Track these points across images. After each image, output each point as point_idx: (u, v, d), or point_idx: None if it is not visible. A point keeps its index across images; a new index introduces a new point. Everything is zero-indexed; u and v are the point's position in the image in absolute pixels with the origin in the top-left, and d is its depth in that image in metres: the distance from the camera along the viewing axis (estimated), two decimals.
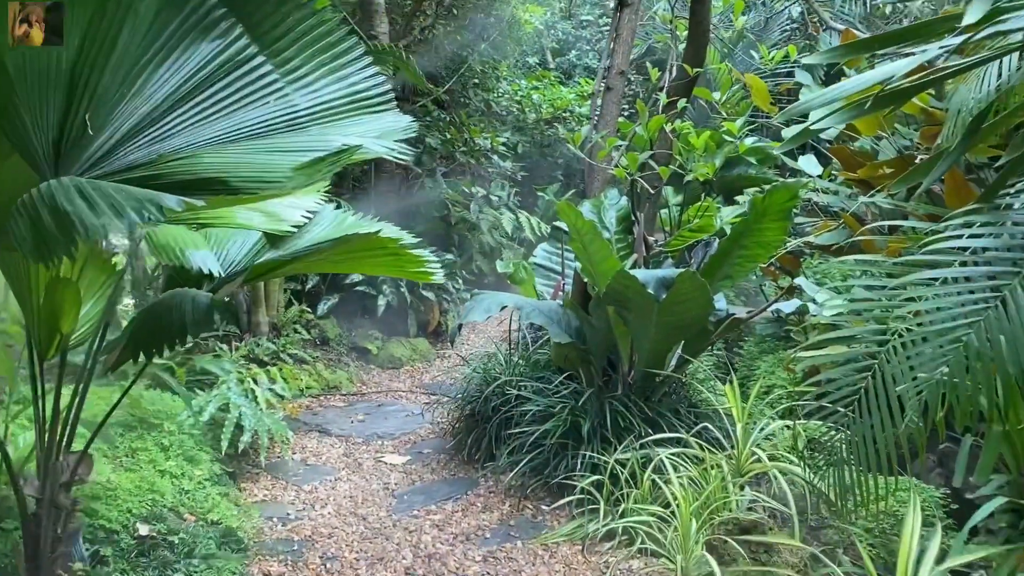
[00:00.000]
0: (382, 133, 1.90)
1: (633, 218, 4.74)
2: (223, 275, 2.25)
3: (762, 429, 4.00)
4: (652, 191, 4.46)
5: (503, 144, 9.94)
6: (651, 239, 4.76)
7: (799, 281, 6.17)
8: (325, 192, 2.69)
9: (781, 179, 8.07)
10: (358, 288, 7.03)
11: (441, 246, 8.83)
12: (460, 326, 4.35)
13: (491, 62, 10.02)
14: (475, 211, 8.92)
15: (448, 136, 8.60)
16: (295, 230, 2.35)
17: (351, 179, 8.57)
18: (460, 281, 7.79)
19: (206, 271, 2.23)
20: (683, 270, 3.74)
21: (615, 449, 3.99)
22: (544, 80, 11.48)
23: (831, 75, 9.67)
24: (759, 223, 4.27)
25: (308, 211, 2.42)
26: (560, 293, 5.39)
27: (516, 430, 4.23)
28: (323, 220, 2.50)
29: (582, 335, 4.60)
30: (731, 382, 3.91)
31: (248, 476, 4.45)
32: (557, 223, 5.84)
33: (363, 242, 2.02)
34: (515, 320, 5.70)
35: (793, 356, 5.38)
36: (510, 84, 11.45)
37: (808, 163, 6.32)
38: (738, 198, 9.07)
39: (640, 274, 3.82)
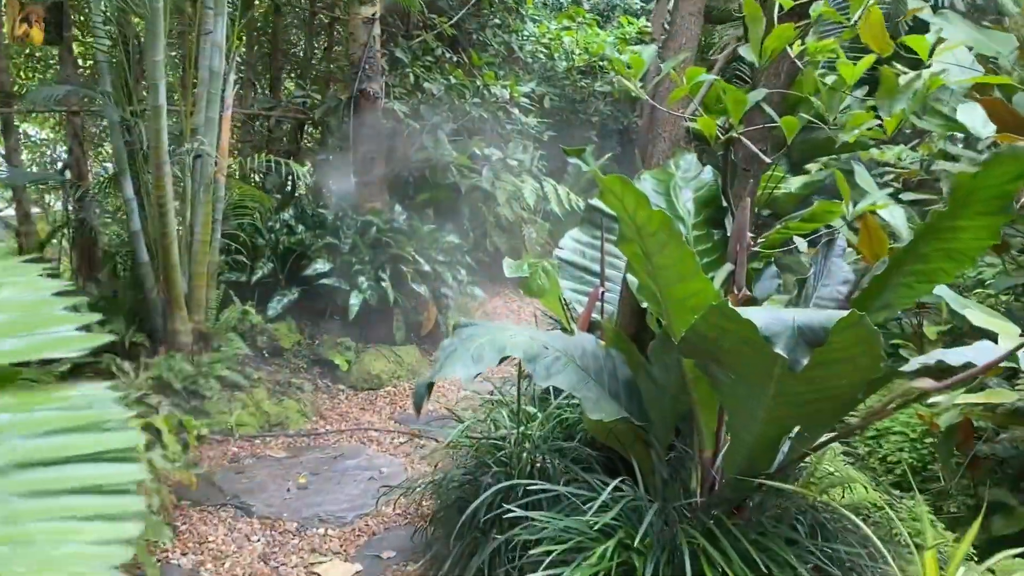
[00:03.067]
0: None
1: (725, 203, 2.91)
2: None
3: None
4: (766, 159, 2.62)
5: (526, 96, 8.04)
6: (748, 237, 2.93)
7: (939, 291, 4.19)
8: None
9: (878, 146, 6.09)
10: (324, 281, 5.29)
11: (451, 219, 7.09)
12: (431, 386, 2.59)
13: None
14: (489, 177, 7.11)
15: (453, 81, 6.73)
16: None
17: (332, 135, 6.79)
18: (463, 271, 5.98)
19: None
20: (847, 314, 1.93)
21: None
22: (578, 19, 9.49)
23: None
24: (954, 219, 2.42)
25: None
26: (595, 306, 3.58)
27: (526, 560, 2.47)
28: None
29: (634, 394, 2.81)
30: (928, 546, 2.09)
31: None
32: (594, 201, 3.98)
33: None
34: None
35: (945, 406, 3.61)
36: (537, 25, 9.50)
37: (971, 115, 4.40)
38: (810, 166, 7.34)
39: (759, 316, 1.99)
